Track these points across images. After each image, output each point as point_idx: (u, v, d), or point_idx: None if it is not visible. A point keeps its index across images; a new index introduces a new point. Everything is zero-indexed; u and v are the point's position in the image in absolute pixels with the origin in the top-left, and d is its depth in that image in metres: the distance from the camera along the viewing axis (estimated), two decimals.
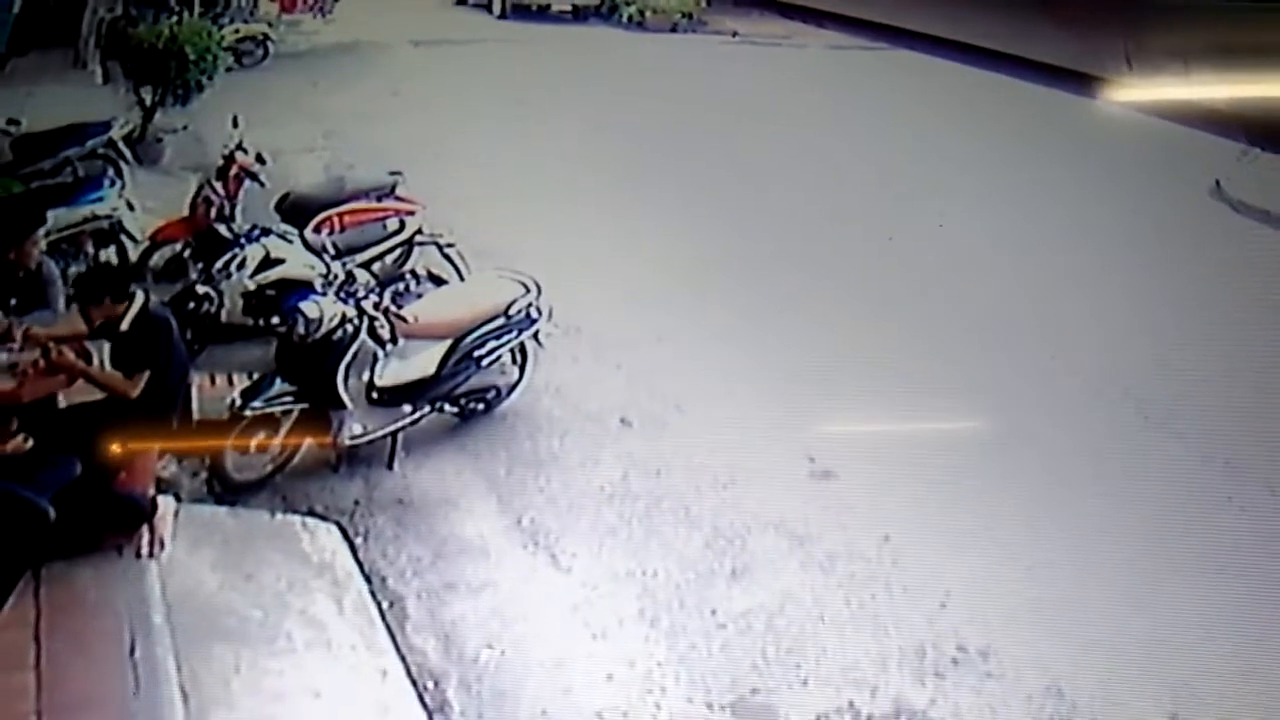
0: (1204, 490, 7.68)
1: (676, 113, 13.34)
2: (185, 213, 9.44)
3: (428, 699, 6.16)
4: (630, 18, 17.10)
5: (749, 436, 8.24)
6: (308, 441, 7.82)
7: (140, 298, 6.80)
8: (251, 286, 8.85)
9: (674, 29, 17.19)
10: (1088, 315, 9.71)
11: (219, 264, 8.89)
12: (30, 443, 6.19)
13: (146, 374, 6.63)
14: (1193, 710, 6.20)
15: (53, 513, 5.96)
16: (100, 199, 9.42)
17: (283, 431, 7.72)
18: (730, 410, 8.57)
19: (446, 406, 8.31)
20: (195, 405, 7.21)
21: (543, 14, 16.82)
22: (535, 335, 8.56)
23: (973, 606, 6.84)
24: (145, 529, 6.60)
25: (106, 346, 6.89)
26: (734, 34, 17.02)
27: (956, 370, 8.95)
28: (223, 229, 9.09)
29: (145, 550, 6.55)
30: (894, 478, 7.84)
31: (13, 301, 6.98)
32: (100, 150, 10.39)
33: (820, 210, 11.37)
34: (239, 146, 9.75)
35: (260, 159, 9.82)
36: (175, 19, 12.84)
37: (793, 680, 6.43)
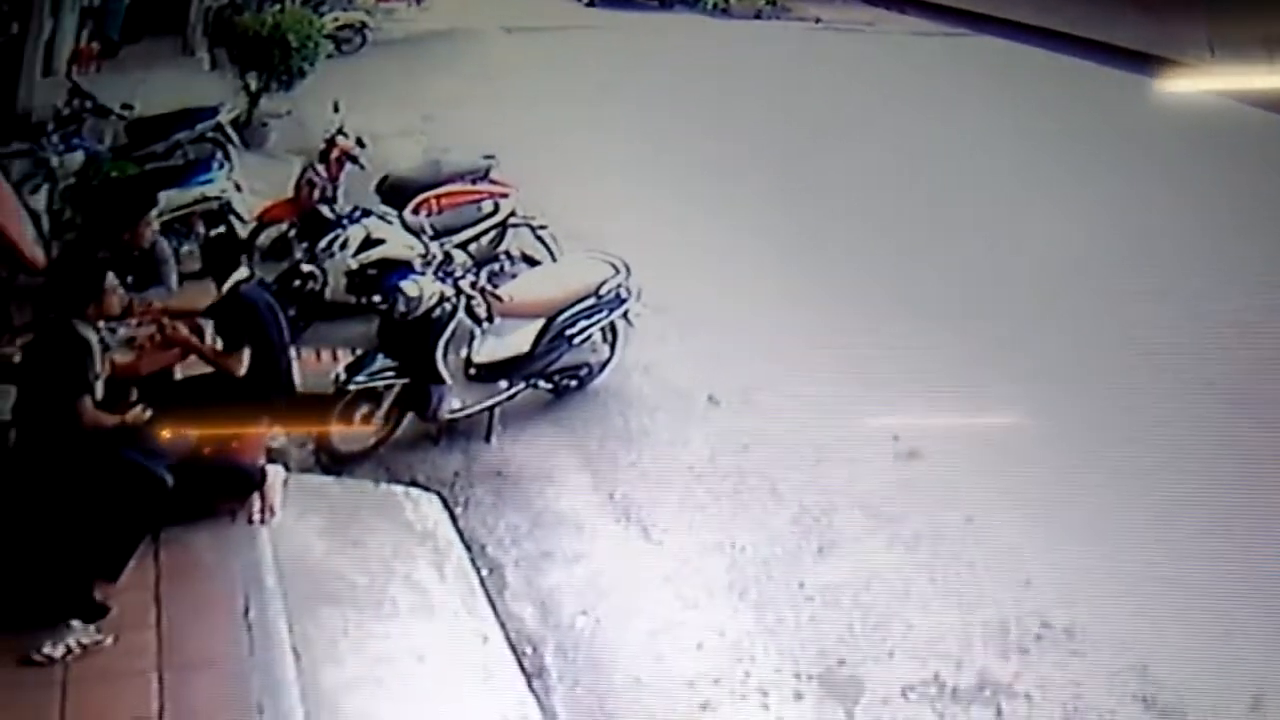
0: None
1: (761, 98, 13.28)
2: (290, 194, 9.58)
3: (526, 663, 6.29)
4: (715, 4, 17.03)
5: (834, 416, 8.20)
6: (409, 415, 7.94)
7: (236, 277, 6.96)
8: (354, 266, 8.98)
9: (758, 15, 17.08)
10: (1168, 302, 9.56)
11: (323, 244, 9.05)
12: (149, 413, 6.32)
13: (247, 351, 6.79)
14: (1277, 690, 6.15)
15: (171, 480, 6.12)
16: (210, 181, 9.59)
17: (385, 405, 7.86)
18: (816, 390, 8.51)
19: (540, 383, 8.40)
20: (302, 379, 7.35)
21: (630, 1, 16.80)
22: (625, 315, 8.62)
23: (1056, 585, 6.82)
24: (256, 497, 6.79)
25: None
26: (817, 20, 16.90)
27: (1040, 353, 8.87)
28: (326, 210, 9.23)
29: (257, 517, 6.75)
30: (978, 459, 7.83)
31: (129, 279, 7.11)
32: (209, 134, 10.54)
33: (904, 194, 11.28)
34: (340, 131, 9.85)
35: (360, 143, 9.90)
36: (278, 7, 13.01)
37: (879, 653, 6.47)
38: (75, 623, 5.77)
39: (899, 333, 9.09)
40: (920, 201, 11.21)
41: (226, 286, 6.98)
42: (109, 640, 5.77)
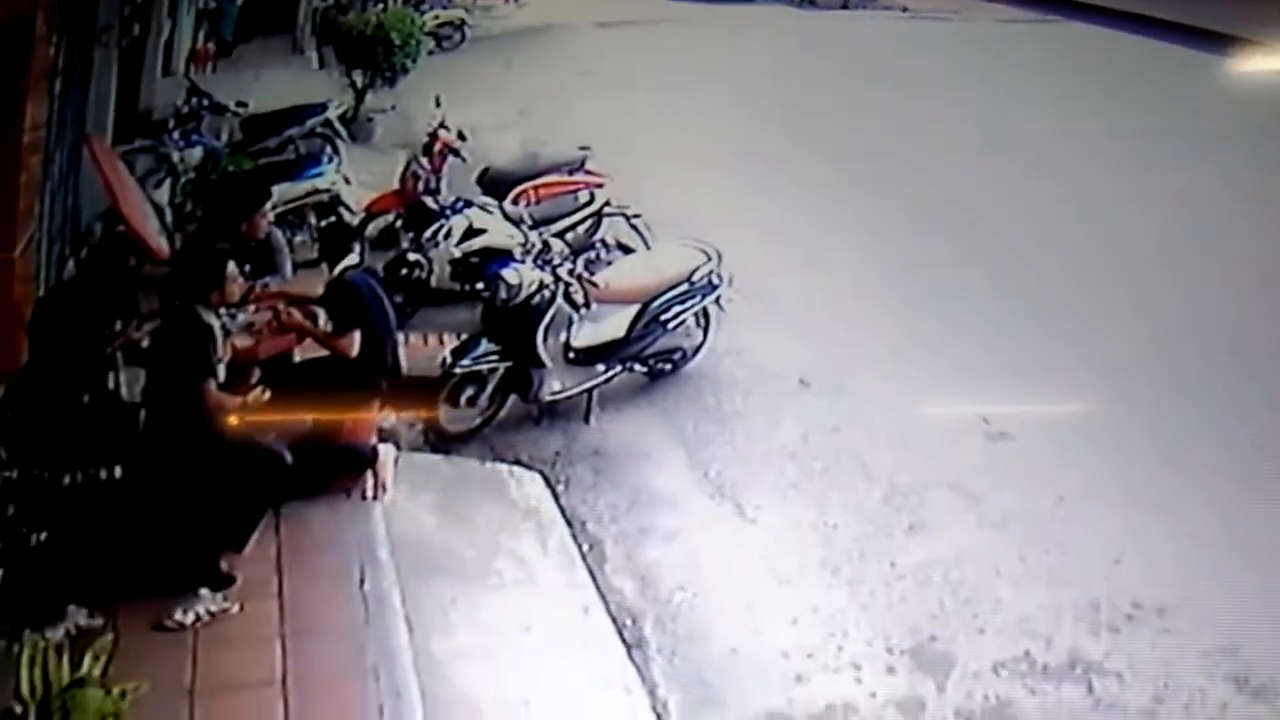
0: None
1: (850, 87, 13.25)
2: (396, 186, 9.75)
3: (626, 635, 6.37)
4: None
5: (924, 398, 8.24)
6: (512, 397, 8.09)
7: (345, 264, 7.13)
8: (457, 254, 9.15)
9: (845, 5, 16.99)
10: (1259, 287, 9.39)
11: (427, 234, 9.21)
12: (268, 395, 6.46)
13: (358, 333, 6.95)
14: None
15: (289, 457, 6.30)
16: (320, 174, 9.81)
17: (489, 387, 8.01)
18: (905, 372, 8.56)
19: (636, 366, 8.49)
20: (410, 363, 7.50)
21: None
22: (717, 300, 8.66)
23: (1148, 565, 6.76)
24: (369, 474, 6.96)
25: None
26: (904, 9, 16.77)
27: (1129, 335, 8.79)
28: (430, 201, 9.39)
29: (370, 493, 6.91)
30: (1068, 441, 7.78)
31: (246, 268, 7.31)
32: (318, 130, 10.79)
33: (992, 180, 11.20)
34: (441, 125, 10.01)
35: (461, 136, 10.06)
36: (381, 6, 13.25)
37: (970, 629, 6.46)
38: (204, 592, 5.97)
39: (990, 317, 9.07)
40: (1009, 188, 11.13)
41: (334, 273, 7.16)
42: (235, 608, 5.97)
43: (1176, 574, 6.66)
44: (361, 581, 6.21)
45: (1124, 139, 12.03)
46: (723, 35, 14.62)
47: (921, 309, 9.33)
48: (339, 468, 6.94)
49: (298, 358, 7.23)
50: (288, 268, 8.15)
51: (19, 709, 4.76)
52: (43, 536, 4.66)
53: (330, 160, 10.07)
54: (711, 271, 8.61)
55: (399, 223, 9.69)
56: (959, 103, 13.16)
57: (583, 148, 10.40)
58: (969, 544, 7.06)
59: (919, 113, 12.79)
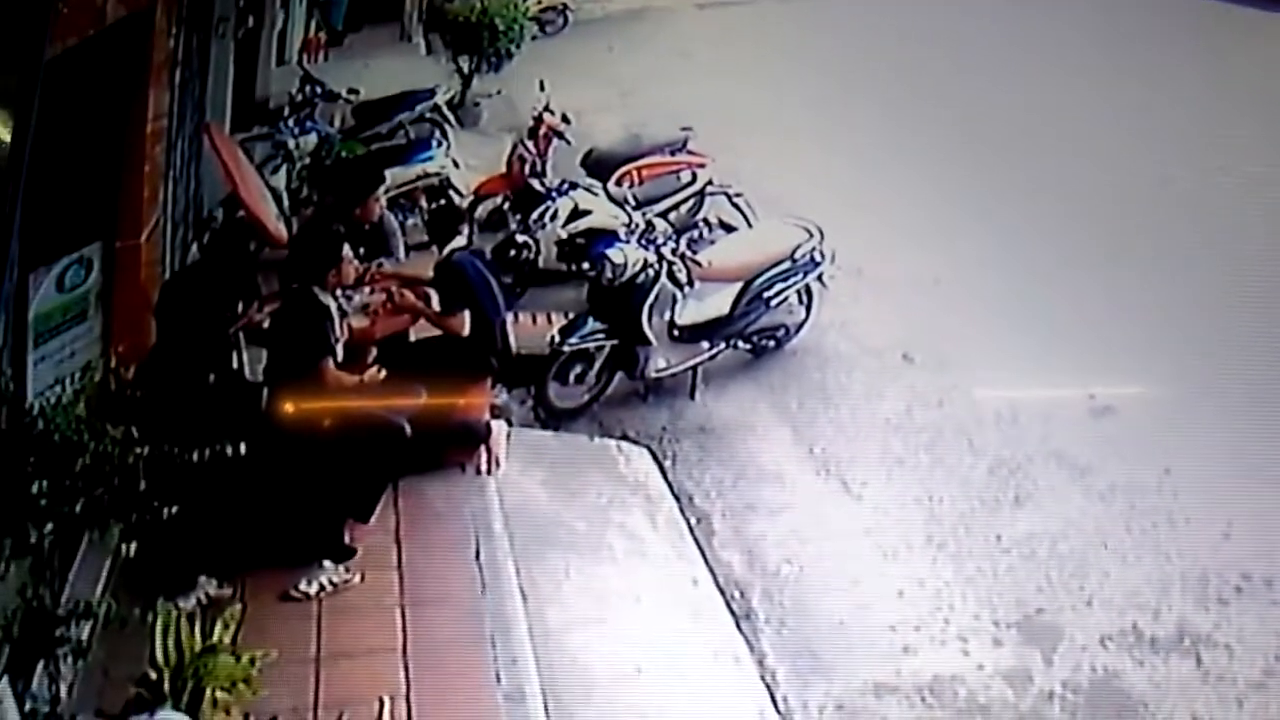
0: None
1: (948, 63, 13.01)
2: (503, 170, 9.83)
3: (734, 606, 6.43)
4: None
5: (1028, 372, 8.19)
6: (619, 374, 8.17)
7: (453, 245, 7.23)
8: (564, 235, 9.20)
9: None
10: None
11: (534, 215, 9.26)
12: (384, 373, 6.61)
13: (467, 313, 7.04)
14: None
15: (409, 429, 6.43)
16: (430, 158, 9.90)
17: (596, 365, 8.09)
18: (1008, 347, 8.49)
19: (740, 343, 8.51)
20: (520, 341, 7.60)
21: None
22: (819, 277, 8.64)
23: (1257, 538, 6.66)
24: (483, 449, 7.07)
25: None
26: None
27: (1234, 311, 8.54)
28: (536, 184, 9.45)
29: (484, 468, 7.04)
30: (1174, 414, 7.68)
31: (360, 251, 7.45)
32: (427, 115, 10.88)
33: (1097, 155, 10.94)
34: (546, 108, 10.06)
35: (565, 119, 10.10)
36: None
37: (1077, 602, 6.43)
38: (327, 563, 6.14)
39: (1093, 291, 8.94)
40: (1119, 164, 10.85)
41: (442, 254, 7.28)
42: (357, 579, 6.14)
43: None
44: (477, 553, 6.34)
45: (1229, 113, 11.67)
46: (822, 13, 14.45)
47: (1025, 284, 9.20)
48: (454, 443, 7.05)
49: (413, 338, 7.34)
50: (401, 250, 8.23)
51: (154, 675, 4.91)
52: (173, 510, 4.82)
53: (439, 145, 10.15)
54: (814, 248, 8.60)
55: (506, 205, 9.76)
56: (1060, 78, 12.87)
57: (684, 128, 10.36)
58: (1075, 517, 7.02)
59: (1017, 86, 12.54)
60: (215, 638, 5.13)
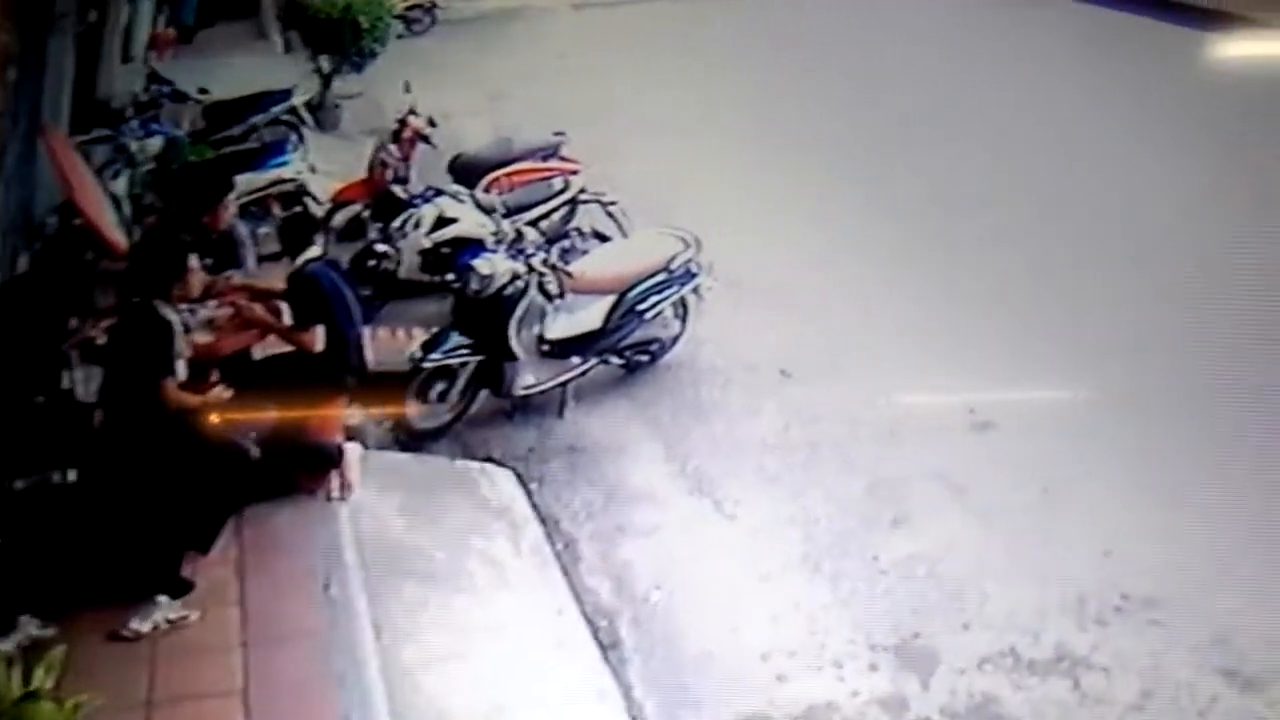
0: None
1: (833, 69, 13.09)
2: (364, 175, 9.71)
3: (601, 635, 6.32)
4: None
5: (908, 388, 8.15)
6: (483, 391, 8.02)
7: (306, 256, 7.01)
8: (427, 245, 9.06)
9: None
10: (1248, 270, 9.30)
11: (396, 223, 9.15)
12: (230, 392, 6.37)
13: (321, 328, 6.83)
14: None
15: (255, 451, 6.21)
16: (285, 163, 9.74)
17: (460, 382, 7.94)
18: (888, 363, 8.48)
19: (613, 358, 8.42)
20: (378, 357, 7.42)
21: None
22: (696, 289, 8.59)
23: (1136, 557, 6.69)
24: (335, 474, 6.87)
25: None
26: None
27: (1116, 324, 8.65)
28: (399, 190, 9.37)
29: (336, 494, 6.84)
30: (1054, 430, 7.69)
31: (208, 262, 7.21)
32: (283, 117, 10.70)
33: (975, 165, 11.06)
34: (411, 111, 9.94)
35: (431, 122, 10.00)
36: None
37: (954, 625, 6.39)
38: (162, 599, 5.88)
39: (975, 304, 8.97)
40: (996, 174, 10.98)
41: (296, 265, 7.05)
42: (194, 616, 5.90)
43: (1165, 565, 6.59)
44: (327, 586, 6.15)
45: (1115, 119, 11.91)
46: (704, 17, 14.47)
47: (904, 297, 9.22)
48: (304, 467, 6.86)
49: (262, 354, 7.12)
50: (251, 260, 8.08)
51: None
52: None
53: (295, 149, 9.98)
54: (690, 260, 8.56)
55: (366, 212, 9.61)
56: (940, 78, 13.01)
57: (557, 133, 10.31)
58: (954, 537, 7.00)
59: (899, 90, 12.64)
60: (36, 683, 4.92)
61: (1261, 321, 8.39)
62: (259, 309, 7.00)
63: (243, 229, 8.11)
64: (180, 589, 5.95)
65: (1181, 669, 6.07)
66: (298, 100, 10.82)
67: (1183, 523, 6.83)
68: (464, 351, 7.89)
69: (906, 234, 10.01)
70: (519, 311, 7.98)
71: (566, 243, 8.81)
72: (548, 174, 9.95)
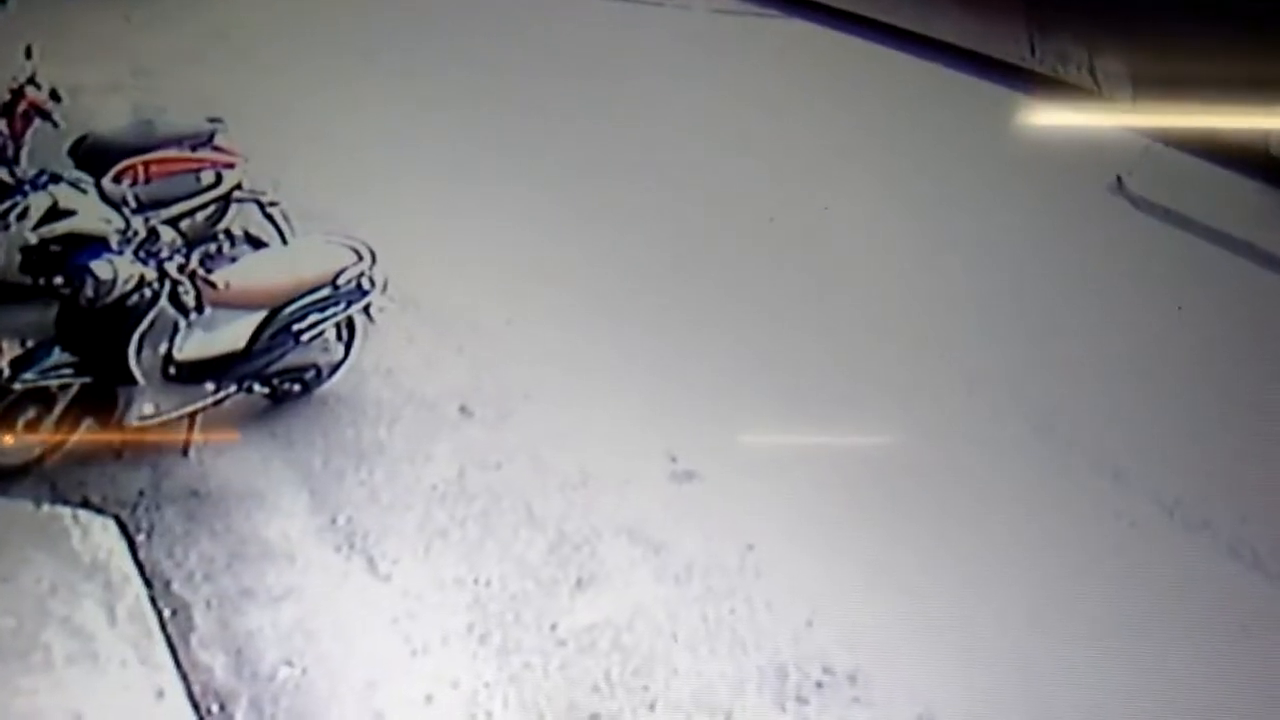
0: (1093, 504, 7.60)
1: (539, 74, 13.04)
2: None
3: None
4: None
5: (604, 431, 8.10)
6: (87, 421, 7.55)
7: None
8: (34, 240, 8.44)
9: None
10: (973, 314, 9.62)
11: None
12: None
13: None
14: None
15: None
16: None
17: (58, 409, 7.49)
18: (584, 402, 8.39)
19: (256, 386, 8.08)
20: None
21: None
22: (366, 309, 8.36)
23: (842, 625, 6.73)
24: None
25: None
26: None
27: (832, 372, 8.78)
28: (4, 173, 8.70)
29: None
30: (762, 483, 7.72)
31: None
32: None
33: (690, 189, 11.13)
34: (30, 80, 9.37)
35: (55, 96, 9.42)
36: None
37: (638, 704, 6.29)
38: None
39: (678, 343, 8.95)
40: (708, 199, 11.08)
41: None
42: None
43: (872, 634, 6.65)
44: None
45: (845, 148, 12.22)
46: (390, 4, 14.22)
47: (605, 330, 9.14)
48: None
49: None
50: None
51: None
52: None
53: None
54: (361, 274, 8.30)
55: None
56: (666, 99, 13.13)
57: (213, 119, 9.78)
58: (645, 602, 6.90)
59: (619, 107, 12.68)
60: None
61: (988, 375, 8.68)
62: None
63: None
64: None
65: None
66: None
67: (888, 591, 6.89)
68: (66, 371, 7.41)
69: (607, 263, 9.93)
70: (143, 325, 7.52)
71: (212, 247, 8.52)
72: (196, 165, 9.41)
